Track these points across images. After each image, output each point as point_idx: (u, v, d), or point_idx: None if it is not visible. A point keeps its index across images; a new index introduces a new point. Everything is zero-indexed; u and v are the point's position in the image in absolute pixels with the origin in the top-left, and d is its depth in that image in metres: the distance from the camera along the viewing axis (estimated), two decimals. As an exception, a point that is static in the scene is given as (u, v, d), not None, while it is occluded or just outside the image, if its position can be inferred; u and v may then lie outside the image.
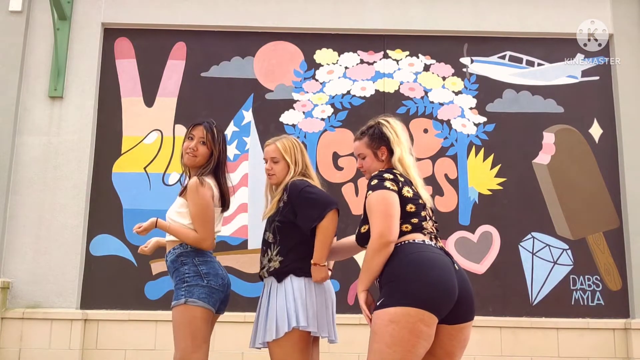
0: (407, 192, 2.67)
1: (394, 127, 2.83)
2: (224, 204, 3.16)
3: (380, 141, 2.82)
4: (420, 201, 2.73)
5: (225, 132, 5.75)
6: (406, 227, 2.64)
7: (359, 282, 2.62)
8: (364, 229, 2.73)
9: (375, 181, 2.66)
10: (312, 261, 2.85)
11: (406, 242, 2.62)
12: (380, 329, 2.45)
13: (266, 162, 3.13)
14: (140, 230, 3.02)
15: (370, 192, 2.63)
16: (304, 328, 2.79)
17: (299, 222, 2.90)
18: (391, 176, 2.68)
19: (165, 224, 3.02)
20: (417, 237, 2.64)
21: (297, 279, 2.88)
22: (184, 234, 3.00)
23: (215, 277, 3.01)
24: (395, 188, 2.64)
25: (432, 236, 2.71)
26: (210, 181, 3.06)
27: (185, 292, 2.92)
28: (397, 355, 2.42)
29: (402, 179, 2.71)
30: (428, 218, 2.73)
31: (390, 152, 2.81)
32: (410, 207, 2.66)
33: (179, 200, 3.10)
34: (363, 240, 2.74)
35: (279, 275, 2.91)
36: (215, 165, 3.11)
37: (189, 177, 3.14)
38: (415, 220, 2.66)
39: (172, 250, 3.06)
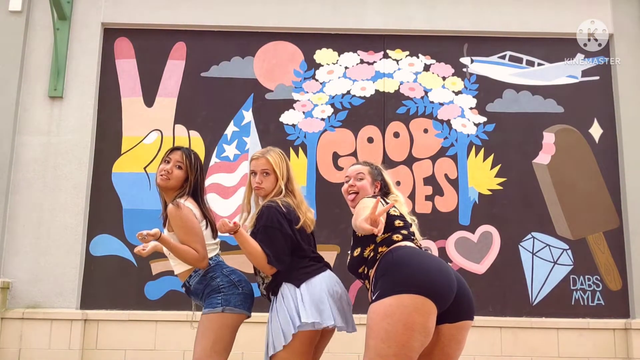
0: (392, 211, 2.85)
1: (390, 177, 3.16)
2: (213, 230, 3.17)
3: (378, 177, 3.10)
4: (407, 220, 2.90)
5: (225, 132, 5.75)
6: (397, 237, 2.76)
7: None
8: (356, 253, 2.83)
9: None
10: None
11: (398, 246, 2.72)
12: (376, 324, 2.47)
13: (255, 175, 3.09)
14: (144, 238, 2.95)
15: None
16: (305, 324, 2.78)
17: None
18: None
19: (167, 238, 2.99)
20: (409, 244, 2.77)
21: (290, 285, 2.90)
22: (184, 251, 3.00)
23: (246, 282, 3.11)
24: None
25: (423, 249, 2.87)
26: (189, 204, 3.06)
27: (222, 301, 2.98)
28: (391, 350, 2.43)
29: (388, 201, 2.91)
30: (414, 238, 2.88)
31: (383, 190, 3.09)
32: (398, 223, 2.82)
33: (167, 235, 3.10)
34: (356, 264, 2.84)
35: (274, 288, 2.96)
36: (191, 190, 3.12)
37: (165, 203, 3.16)
38: (405, 232, 2.81)
39: (193, 274, 3.07)
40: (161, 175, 3.11)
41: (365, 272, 2.81)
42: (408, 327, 2.42)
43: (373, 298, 2.57)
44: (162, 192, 3.18)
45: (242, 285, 3.06)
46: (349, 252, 2.93)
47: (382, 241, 2.75)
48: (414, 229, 2.94)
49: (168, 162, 3.13)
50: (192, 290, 3.10)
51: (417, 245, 2.85)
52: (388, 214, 2.79)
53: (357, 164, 3.14)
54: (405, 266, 2.55)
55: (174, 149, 3.20)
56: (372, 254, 2.77)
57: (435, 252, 5.53)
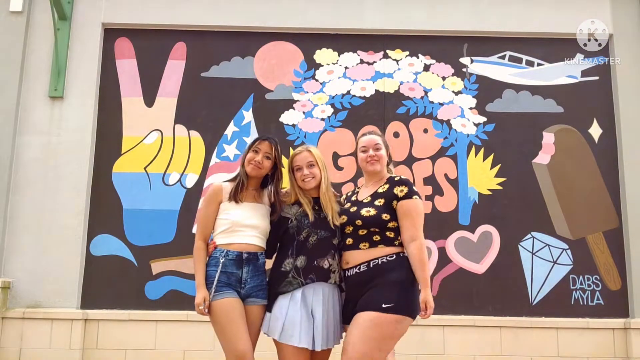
0: None
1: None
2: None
3: (387, 146, 3.28)
4: None
5: (225, 132, 5.76)
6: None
7: (426, 283, 2.91)
8: (372, 212, 3.00)
9: (414, 187, 3.06)
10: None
11: (405, 255, 3.04)
12: (389, 326, 2.81)
13: (300, 170, 3.17)
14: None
15: (416, 196, 3.02)
16: None
17: None
18: None
19: None
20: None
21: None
22: None
23: None
24: None
25: None
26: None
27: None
28: (389, 347, 2.89)
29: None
30: None
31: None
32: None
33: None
34: (370, 221, 3.03)
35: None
36: (277, 179, 3.30)
37: (245, 185, 3.21)
38: None
39: (261, 255, 3.18)
40: (252, 164, 3.20)
41: (364, 233, 3.00)
42: (400, 335, 2.90)
43: (384, 306, 2.80)
44: (247, 179, 3.24)
45: None
46: (367, 207, 3.02)
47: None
48: None
49: (257, 152, 3.23)
50: (256, 264, 3.11)
51: None
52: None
53: (372, 134, 3.25)
54: (416, 289, 2.92)
55: (262, 139, 3.28)
56: (388, 231, 3.00)
57: (435, 252, 5.55)
